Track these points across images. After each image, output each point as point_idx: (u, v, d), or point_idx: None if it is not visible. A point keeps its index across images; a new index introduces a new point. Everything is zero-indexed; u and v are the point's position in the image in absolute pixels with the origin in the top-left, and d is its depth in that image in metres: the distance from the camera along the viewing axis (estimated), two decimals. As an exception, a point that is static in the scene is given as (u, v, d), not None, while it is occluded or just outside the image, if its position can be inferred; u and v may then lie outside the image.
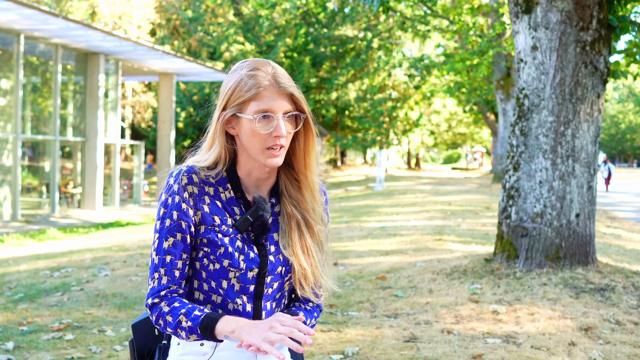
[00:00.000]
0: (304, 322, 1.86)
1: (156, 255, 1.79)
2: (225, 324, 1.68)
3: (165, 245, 1.78)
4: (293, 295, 1.95)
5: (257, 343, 1.61)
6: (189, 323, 1.71)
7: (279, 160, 1.78)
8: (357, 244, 8.84)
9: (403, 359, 4.14)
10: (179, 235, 1.78)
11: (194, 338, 1.72)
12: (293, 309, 1.91)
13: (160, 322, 1.76)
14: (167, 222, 1.78)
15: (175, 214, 1.78)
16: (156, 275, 1.78)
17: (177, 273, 1.78)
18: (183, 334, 1.73)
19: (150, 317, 1.80)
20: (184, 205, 1.78)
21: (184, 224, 1.78)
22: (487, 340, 4.51)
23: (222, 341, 1.72)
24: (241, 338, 1.65)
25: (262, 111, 1.74)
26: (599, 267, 6.15)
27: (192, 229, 1.79)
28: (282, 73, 1.79)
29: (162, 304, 1.76)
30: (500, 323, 4.87)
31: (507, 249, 6.24)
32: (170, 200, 1.79)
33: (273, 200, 1.88)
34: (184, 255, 1.79)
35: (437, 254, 7.54)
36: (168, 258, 1.78)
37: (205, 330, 1.69)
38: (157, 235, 1.80)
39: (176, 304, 1.76)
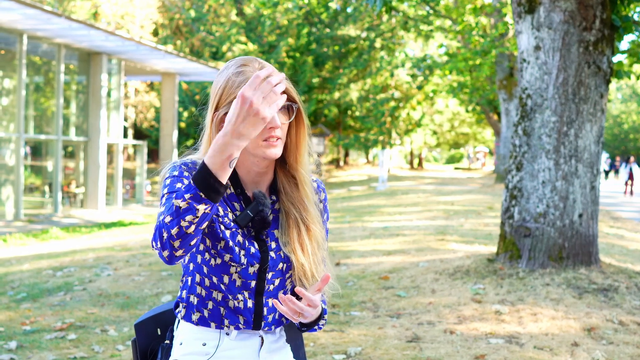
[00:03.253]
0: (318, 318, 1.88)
1: (168, 200, 1.67)
2: (210, 155, 1.55)
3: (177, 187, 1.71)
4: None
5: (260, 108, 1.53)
6: (187, 195, 1.55)
7: (277, 151, 1.77)
8: (360, 243, 8.83)
9: (405, 359, 4.14)
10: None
11: (203, 209, 1.55)
12: None
13: (164, 234, 1.57)
14: (177, 185, 1.72)
15: (185, 180, 1.73)
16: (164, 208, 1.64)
17: None
18: (190, 217, 1.55)
19: (156, 247, 1.61)
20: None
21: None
22: (489, 340, 4.50)
23: (225, 185, 1.56)
24: (235, 138, 1.53)
25: None
26: (602, 268, 6.14)
27: None
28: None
29: (160, 217, 1.61)
30: (503, 323, 4.86)
31: (510, 249, 6.23)
32: (177, 172, 1.75)
33: (274, 198, 1.89)
34: None
35: (440, 254, 7.53)
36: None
37: (202, 181, 1.54)
38: (165, 197, 1.70)
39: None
